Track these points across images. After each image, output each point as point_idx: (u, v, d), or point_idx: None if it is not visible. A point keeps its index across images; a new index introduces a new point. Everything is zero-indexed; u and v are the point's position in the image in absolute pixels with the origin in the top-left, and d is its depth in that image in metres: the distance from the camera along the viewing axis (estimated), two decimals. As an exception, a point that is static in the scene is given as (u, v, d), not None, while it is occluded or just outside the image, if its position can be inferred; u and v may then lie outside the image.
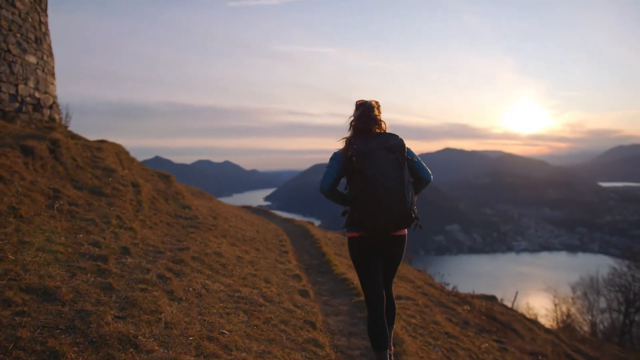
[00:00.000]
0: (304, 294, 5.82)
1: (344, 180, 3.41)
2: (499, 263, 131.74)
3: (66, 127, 12.32)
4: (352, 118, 3.44)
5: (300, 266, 7.87)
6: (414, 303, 7.38)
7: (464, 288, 14.06)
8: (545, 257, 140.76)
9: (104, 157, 9.34)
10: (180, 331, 3.39)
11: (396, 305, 3.71)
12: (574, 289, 28.64)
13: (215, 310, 4.13)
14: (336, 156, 3.36)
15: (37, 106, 10.59)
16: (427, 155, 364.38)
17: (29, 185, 5.63)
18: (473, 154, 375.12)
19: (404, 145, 3.25)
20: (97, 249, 4.66)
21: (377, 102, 3.50)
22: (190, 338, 3.34)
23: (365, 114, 3.37)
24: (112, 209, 6.54)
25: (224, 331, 3.68)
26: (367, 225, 3.14)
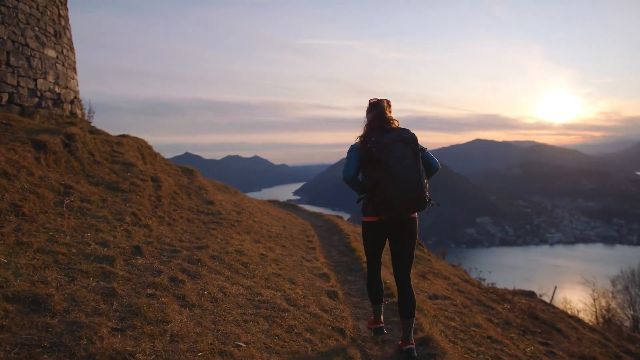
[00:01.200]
0: (332, 295, 5.33)
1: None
2: (533, 256, 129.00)
3: (89, 122, 12.08)
4: (367, 119, 3.88)
5: (328, 264, 7.39)
6: (451, 303, 6.82)
7: (498, 282, 13.39)
8: (580, 249, 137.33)
9: (124, 151, 9.01)
10: (188, 345, 2.93)
11: (431, 304, 4.20)
12: (614, 282, 27.46)
13: (231, 318, 3.67)
14: (354, 147, 3.79)
15: (58, 101, 10.34)
16: (456, 147, 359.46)
17: (37, 181, 5.28)
18: (504, 145, 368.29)
19: (416, 138, 3.65)
20: (104, 249, 4.26)
21: (388, 101, 3.92)
22: (199, 354, 2.87)
23: (380, 116, 3.79)
24: (127, 205, 6.16)
25: (239, 343, 3.21)
26: (389, 209, 3.55)
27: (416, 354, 3.79)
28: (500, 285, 12.75)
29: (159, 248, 5.05)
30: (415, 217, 3.83)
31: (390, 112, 3.88)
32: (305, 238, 9.16)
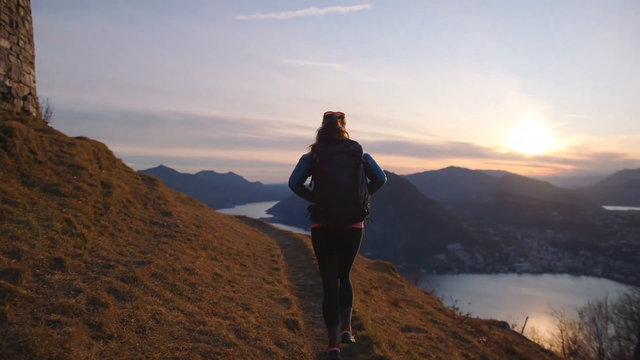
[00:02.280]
0: (292, 325, 4.59)
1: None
2: (501, 284, 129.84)
3: (46, 122, 11.23)
4: (320, 128, 4.01)
5: (292, 287, 6.64)
6: (426, 336, 6.14)
7: (467, 310, 12.86)
8: (547, 279, 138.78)
9: (75, 153, 8.18)
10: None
11: (404, 338, 4.02)
12: (581, 314, 27.19)
13: (158, 355, 2.89)
14: (304, 157, 3.93)
15: (7, 95, 9.44)
16: (431, 173, 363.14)
17: (-50, 176, 4.46)
18: (477, 173, 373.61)
19: (361, 150, 3.83)
20: (12, 261, 3.47)
21: (341, 114, 4.09)
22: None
23: (330, 126, 3.95)
24: (63, 210, 5.35)
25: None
26: (326, 216, 3.71)
27: (352, 339, 4.21)
28: (466, 311, 12.21)
29: (88, 262, 4.27)
30: (360, 229, 3.97)
31: (342, 124, 4.03)
32: (270, 257, 8.41)
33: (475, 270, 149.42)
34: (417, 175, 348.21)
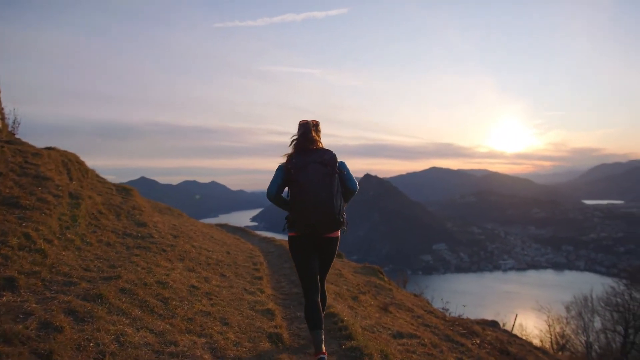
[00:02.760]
0: (275, 339, 4.22)
1: None
2: (487, 282, 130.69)
3: (13, 133, 10.76)
4: (294, 137, 4.01)
5: (275, 296, 6.26)
6: (419, 342, 5.81)
7: (457, 309, 12.64)
8: (532, 275, 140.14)
9: (41, 164, 7.71)
10: None
11: (397, 345, 4.43)
12: (568, 308, 27.24)
13: (118, 386, 2.52)
14: (280, 167, 3.91)
15: (-32, 106, 8.96)
16: (413, 175, 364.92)
17: None
18: (459, 173, 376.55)
19: (335, 160, 3.84)
20: (-48, 284, 3.05)
21: (316, 122, 4.10)
22: None
23: (305, 135, 3.95)
24: (23, 224, 4.91)
25: None
26: (300, 226, 3.78)
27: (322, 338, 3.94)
28: (456, 312, 12.00)
29: (47, 279, 3.85)
30: (336, 238, 4.01)
31: (316, 133, 4.04)
32: (252, 266, 8.01)
33: (461, 269, 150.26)
34: (400, 178, 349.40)
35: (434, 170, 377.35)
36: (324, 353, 3.72)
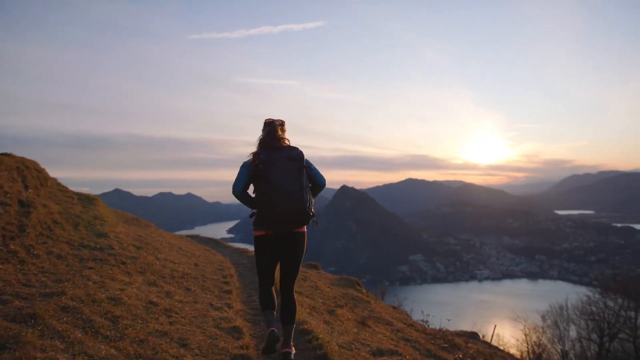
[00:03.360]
0: (240, 362, 3.73)
1: None
2: (463, 292, 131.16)
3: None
4: (261, 136, 4.02)
5: (245, 312, 5.75)
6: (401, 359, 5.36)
7: (432, 319, 12.30)
8: (507, 284, 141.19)
9: (-10, 170, 7.10)
10: None
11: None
12: (543, 317, 27.23)
13: None
14: (245, 164, 3.91)
15: None
16: (389, 186, 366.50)
17: None
18: (434, 184, 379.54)
19: (302, 156, 3.89)
20: None
21: (282, 121, 4.11)
22: None
23: (271, 133, 3.97)
24: (-44, 234, 4.34)
25: None
26: (271, 221, 3.73)
27: (292, 358, 3.93)
28: (436, 324, 11.65)
29: (-28, 298, 3.30)
30: (303, 233, 3.98)
31: (282, 131, 4.06)
32: (221, 278, 7.47)
33: (437, 279, 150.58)
34: (377, 189, 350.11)
35: (409, 181, 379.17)
36: (272, 327, 3.87)
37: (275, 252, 3.94)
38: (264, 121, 4.12)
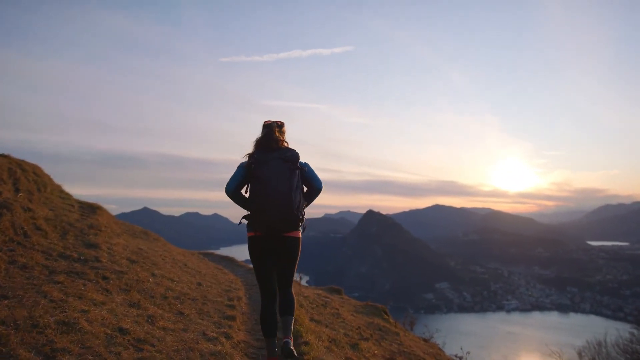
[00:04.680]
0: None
1: None
2: (490, 322, 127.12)
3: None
4: (257, 137, 3.99)
5: (247, 344, 4.63)
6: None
7: (457, 350, 11.11)
8: (536, 317, 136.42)
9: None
10: None
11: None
12: (580, 353, 25.42)
13: None
14: (241, 165, 3.87)
15: None
16: (416, 212, 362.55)
17: None
18: (462, 211, 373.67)
19: (297, 157, 3.83)
20: None
21: (279, 123, 4.07)
22: None
23: (268, 135, 3.94)
24: None
25: None
26: (258, 222, 3.67)
27: (292, 348, 3.82)
28: (453, 350, 10.52)
29: None
30: (296, 238, 3.84)
31: (280, 133, 4.00)
32: (226, 301, 6.37)
33: (463, 309, 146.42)
34: (403, 214, 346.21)
35: (436, 207, 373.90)
36: (276, 358, 3.73)
37: (268, 255, 3.83)
38: (262, 123, 4.07)
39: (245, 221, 3.82)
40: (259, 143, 3.92)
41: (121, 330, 3.59)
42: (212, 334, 4.45)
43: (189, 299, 5.74)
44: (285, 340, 3.85)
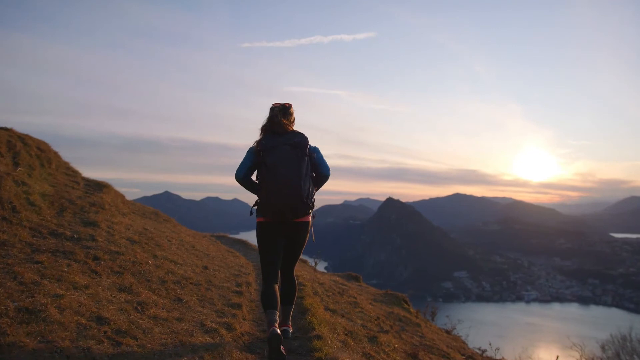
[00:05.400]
0: None
1: None
2: (509, 313, 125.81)
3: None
4: (263, 123, 3.88)
5: (251, 336, 4.07)
6: None
7: (475, 339, 10.52)
8: (556, 308, 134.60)
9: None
10: None
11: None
12: (603, 347, 24.58)
13: None
14: (251, 150, 3.79)
15: None
16: (436, 200, 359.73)
17: None
18: (483, 200, 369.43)
19: (306, 142, 3.73)
20: None
21: (285, 106, 3.93)
22: None
23: (271, 119, 3.83)
24: None
25: None
26: (268, 208, 3.60)
27: (290, 335, 3.99)
28: (475, 341, 9.95)
29: None
30: (307, 223, 3.82)
31: (283, 115, 3.86)
32: (234, 287, 5.83)
33: (482, 298, 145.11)
34: (423, 202, 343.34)
35: (457, 196, 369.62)
36: (274, 326, 3.46)
37: (277, 241, 3.75)
38: (270, 106, 3.96)
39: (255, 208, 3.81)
40: (264, 129, 3.84)
41: (99, 320, 3.05)
42: (211, 324, 3.89)
43: (191, 283, 5.20)
44: (284, 328, 3.92)
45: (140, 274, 4.69)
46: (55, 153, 9.72)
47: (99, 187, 9.03)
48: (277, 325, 3.51)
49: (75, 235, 5.17)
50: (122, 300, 3.70)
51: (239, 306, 4.87)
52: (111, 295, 3.69)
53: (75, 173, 9.52)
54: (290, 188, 3.52)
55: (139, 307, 3.66)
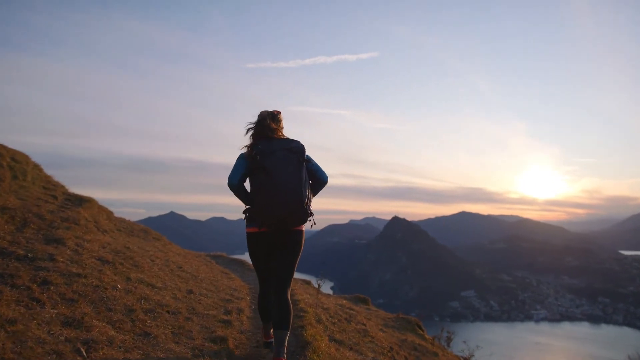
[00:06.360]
0: None
1: None
2: (517, 332, 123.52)
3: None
4: (250, 125, 3.72)
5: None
6: None
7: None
8: (566, 327, 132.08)
9: None
10: None
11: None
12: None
13: None
14: (242, 156, 3.60)
15: None
16: (442, 219, 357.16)
17: None
18: (489, 218, 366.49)
19: (303, 148, 3.57)
20: None
21: (274, 113, 3.76)
22: None
23: (260, 123, 3.67)
24: None
25: None
26: (265, 216, 3.39)
27: None
28: None
29: None
30: (301, 231, 3.63)
31: (273, 121, 3.70)
32: (221, 314, 4.91)
33: (490, 318, 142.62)
34: (429, 221, 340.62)
35: (463, 214, 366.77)
36: (272, 337, 3.55)
37: (271, 252, 3.61)
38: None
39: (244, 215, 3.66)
40: (255, 132, 3.66)
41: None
42: (182, 368, 2.98)
43: (167, 312, 4.29)
44: (269, 340, 3.74)
45: (101, 302, 3.79)
46: (36, 165, 8.95)
47: (80, 202, 8.18)
48: (272, 336, 3.48)
49: (29, 255, 4.30)
50: (62, 338, 2.80)
51: (224, 340, 3.95)
52: (47, 333, 2.80)
53: (56, 187, 8.69)
54: (292, 194, 3.34)
55: (82, 348, 2.76)
